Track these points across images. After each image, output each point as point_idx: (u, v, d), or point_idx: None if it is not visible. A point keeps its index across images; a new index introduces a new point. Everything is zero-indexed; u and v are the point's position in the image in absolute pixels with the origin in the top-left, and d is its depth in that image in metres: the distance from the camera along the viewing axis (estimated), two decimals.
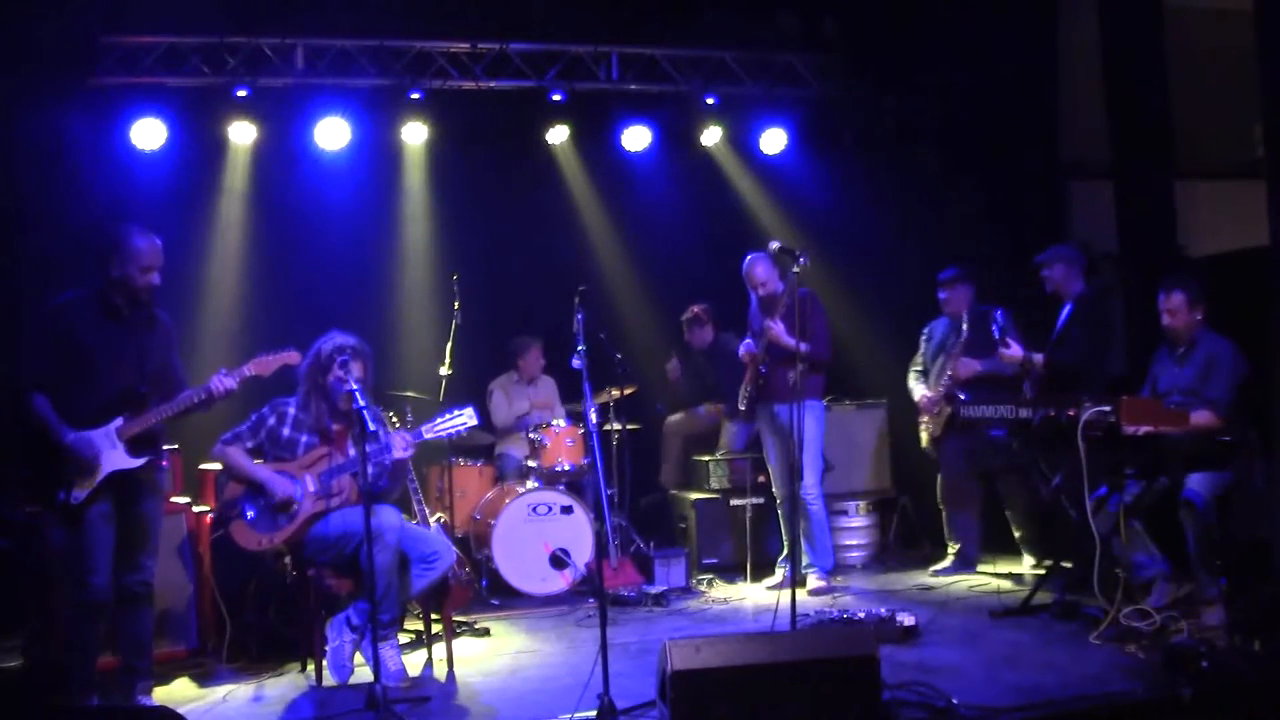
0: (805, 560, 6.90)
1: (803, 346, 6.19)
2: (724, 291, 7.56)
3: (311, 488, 5.23)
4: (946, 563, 7.19)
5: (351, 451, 5.31)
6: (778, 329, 6.55)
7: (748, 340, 6.89)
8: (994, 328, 6.41)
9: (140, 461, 4.74)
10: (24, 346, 4.85)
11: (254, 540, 5.20)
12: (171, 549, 5.73)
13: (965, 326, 6.86)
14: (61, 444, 4.61)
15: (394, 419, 5.78)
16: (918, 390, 7.25)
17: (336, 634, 5.14)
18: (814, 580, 6.86)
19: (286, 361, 5.03)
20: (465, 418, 5.31)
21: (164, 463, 4.98)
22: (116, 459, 4.69)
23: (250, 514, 5.21)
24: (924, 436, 7.24)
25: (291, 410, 5.37)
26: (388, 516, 5.09)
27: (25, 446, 4.72)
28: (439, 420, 5.33)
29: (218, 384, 4.79)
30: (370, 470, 5.17)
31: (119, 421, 4.70)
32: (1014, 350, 6.33)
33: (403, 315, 8.17)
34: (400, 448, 5.19)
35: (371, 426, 4.81)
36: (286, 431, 5.33)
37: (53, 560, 5.20)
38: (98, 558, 4.66)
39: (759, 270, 6.79)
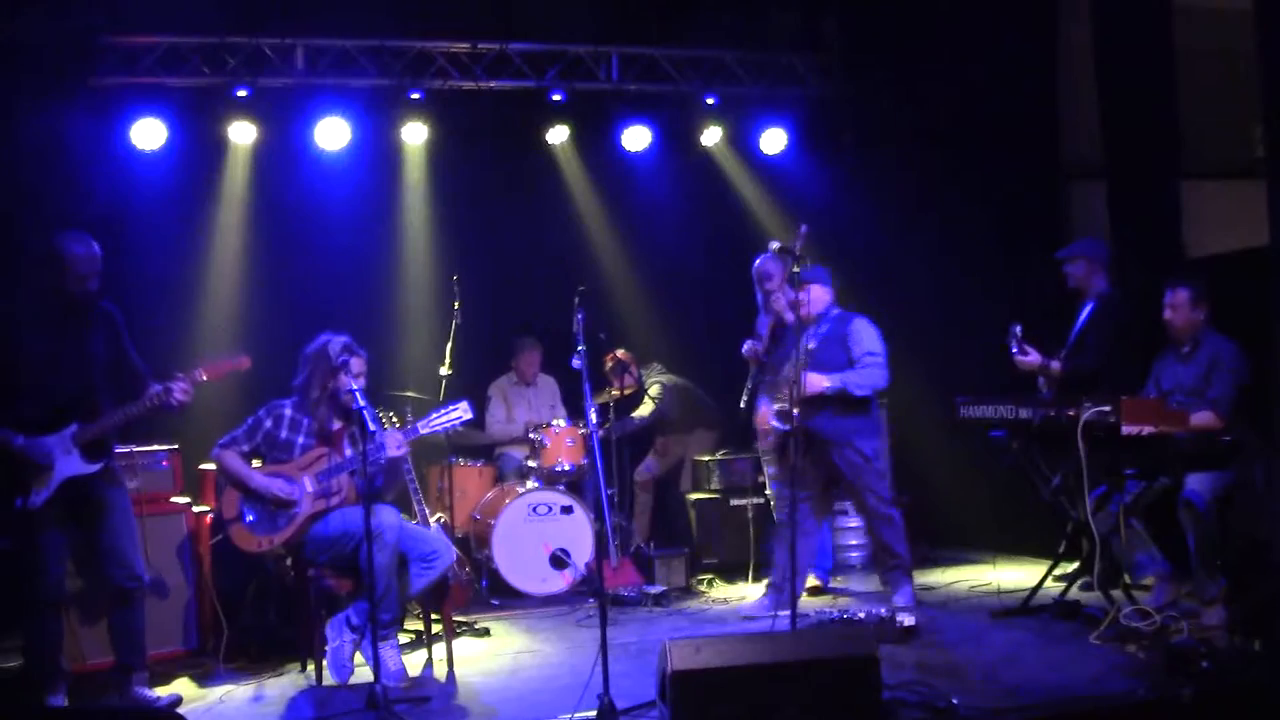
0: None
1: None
2: (724, 292, 7.56)
3: (310, 488, 5.24)
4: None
5: (349, 450, 5.32)
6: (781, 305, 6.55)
7: (751, 339, 6.87)
8: (1011, 342, 6.16)
9: (96, 467, 4.75)
10: None
11: (254, 543, 5.21)
12: (171, 549, 5.73)
13: (823, 331, 6.19)
14: (11, 450, 4.61)
15: (393, 418, 5.79)
16: (760, 406, 6.47)
17: (336, 634, 5.14)
18: (813, 580, 6.86)
19: (237, 367, 5.04)
20: (460, 412, 5.35)
21: (116, 463, 4.98)
22: (72, 465, 4.69)
23: (250, 517, 5.22)
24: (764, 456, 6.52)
25: (288, 412, 5.38)
26: (386, 516, 5.09)
27: None
28: (434, 416, 5.35)
29: (177, 391, 4.78)
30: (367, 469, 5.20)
31: (74, 428, 4.70)
32: (1032, 357, 6.17)
33: (403, 315, 8.17)
34: (393, 446, 5.21)
35: (372, 427, 4.84)
36: (284, 433, 5.34)
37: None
38: (48, 562, 4.68)
39: (769, 266, 6.77)
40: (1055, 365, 6.16)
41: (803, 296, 6.03)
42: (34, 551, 4.67)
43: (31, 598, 4.71)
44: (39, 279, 4.75)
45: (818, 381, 6.01)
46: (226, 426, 5.41)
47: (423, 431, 5.35)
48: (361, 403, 4.91)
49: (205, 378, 4.92)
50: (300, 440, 5.33)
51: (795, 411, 5.80)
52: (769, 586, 6.39)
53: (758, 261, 6.84)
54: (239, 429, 5.36)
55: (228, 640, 5.72)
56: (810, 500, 6.22)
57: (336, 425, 5.36)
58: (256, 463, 5.36)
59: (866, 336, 6.16)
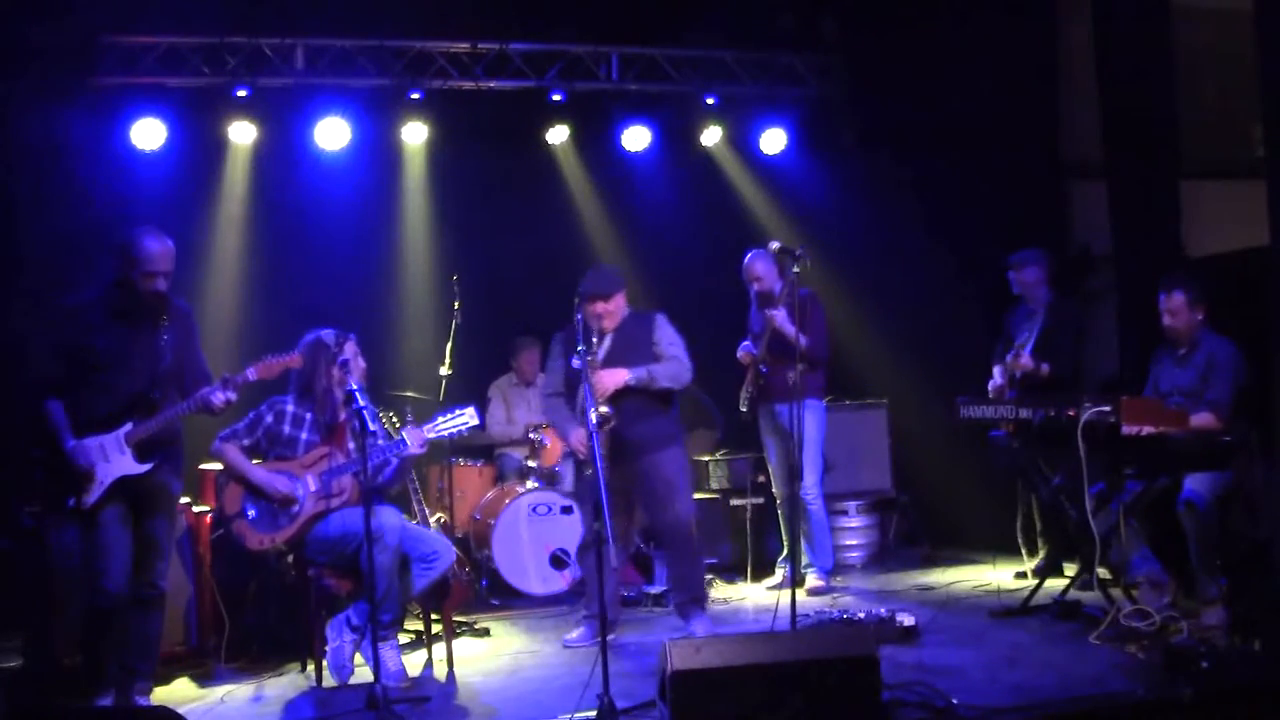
0: (805, 560, 6.91)
1: (802, 340, 6.22)
2: (723, 292, 7.56)
3: (313, 487, 5.22)
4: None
5: (355, 451, 5.30)
6: (780, 316, 6.53)
7: (746, 342, 6.88)
8: (1029, 342, 6.34)
9: (147, 467, 4.71)
10: (35, 349, 4.82)
11: (256, 540, 5.20)
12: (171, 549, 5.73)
13: (621, 334, 5.71)
14: (64, 450, 4.60)
15: (393, 418, 5.78)
16: (573, 431, 5.66)
17: (337, 634, 5.14)
18: (813, 580, 6.86)
19: (289, 365, 4.99)
20: (466, 417, 5.31)
21: (182, 472, 4.94)
22: (123, 465, 4.66)
23: (252, 513, 5.20)
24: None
25: (290, 408, 5.36)
26: (388, 517, 5.09)
27: (37, 451, 4.71)
28: (440, 420, 5.33)
29: (219, 397, 4.75)
30: (376, 463, 5.20)
31: (128, 427, 4.68)
32: (1025, 360, 6.32)
33: (403, 315, 8.16)
34: (416, 444, 5.21)
35: (371, 426, 4.80)
36: (286, 429, 5.32)
37: (53, 562, 5.19)
38: (110, 561, 4.65)
39: (758, 266, 6.79)
40: (1045, 368, 6.33)
41: (604, 307, 5.64)
42: (95, 554, 4.65)
43: (89, 601, 4.68)
44: (110, 272, 4.70)
45: (616, 376, 5.55)
46: (224, 425, 5.40)
47: (429, 436, 5.32)
48: (361, 402, 4.87)
49: (256, 378, 4.87)
50: (304, 436, 5.31)
51: (605, 410, 5.38)
52: (585, 617, 5.84)
53: (748, 258, 6.84)
54: (240, 422, 5.34)
55: (228, 640, 5.72)
56: (619, 528, 5.55)
57: (344, 416, 5.32)
58: (256, 460, 5.34)
59: (670, 331, 5.77)
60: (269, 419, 5.34)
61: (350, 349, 5.34)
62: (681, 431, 5.87)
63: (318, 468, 5.25)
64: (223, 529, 5.45)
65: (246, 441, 5.31)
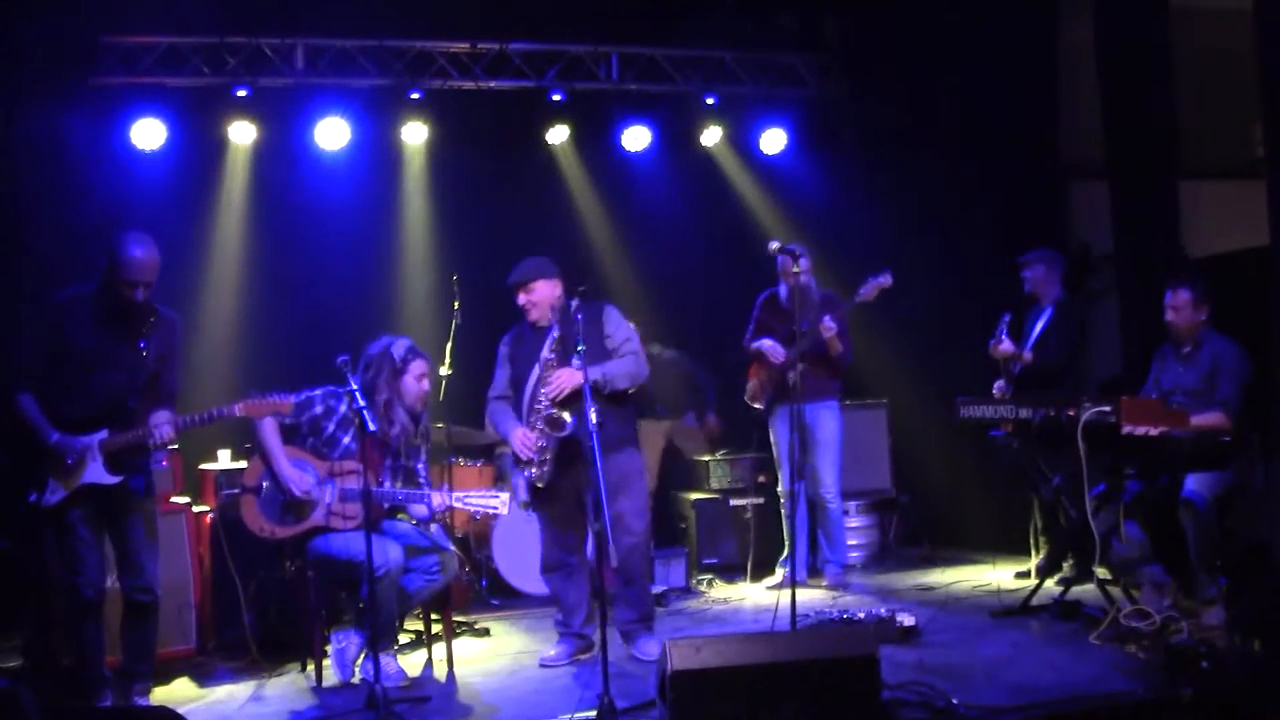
0: (821, 555, 7.05)
1: (839, 346, 6.57)
2: (723, 291, 7.57)
3: (328, 499, 5.13)
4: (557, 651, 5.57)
5: (387, 483, 5.20)
6: (834, 330, 6.55)
7: (769, 341, 6.80)
8: (1002, 328, 6.42)
9: (115, 480, 4.63)
10: (21, 341, 4.78)
11: (257, 524, 5.14)
12: (171, 549, 5.71)
13: (566, 329, 5.25)
14: (46, 445, 4.56)
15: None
16: (514, 430, 5.38)
17: (343, 638, 5.17)
18: (830, 575, 6.95)
19: (278, 408, 4.85)
20: (498, 503, 5.19)
21: (152, 470, 4.88)
22: (94, 472, 4.61)
23: (264, 493, 5.13)
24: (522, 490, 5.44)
25: (342, 408, 5.22)
26: (392, 553, 4.99)
27: (6, 443, 4.69)
28: (473, 494, 5.26)
29: (159, 436, 4.63)
30: (400, 500, 5.19)
31: (103, 434, 4.62)
32: (1006, 346, 6.40)
33: (403, 315, 8.16)
34: (436, 508, 5.19)
35: (371, 426, 4.75)
36: (330, 428, 5.21)
37: (50, 562, 5.18)
38: (83, 558, 4.62)
39: (800, 261, 6.73)
40: (1028, 354, 6.42)
41: (525, 298, 5.37)
42: (66, 552, 4.63)
43: (69, 599, 4.67)
44: (97, 275, 4.65)
45: (574, 377, 5.07)
46: (226, 428, 5.36)
47: (455, 504, 5.26)
48: (362, 403, 4.84)
49: (241, 413, 4.76)
50: (346, 441, 5.20)
51: (568, 416, 5.06)
52: (565, 635, 5.55)
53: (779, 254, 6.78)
54: (289, 395, 5.02)
55: (228, 640, 5.71)
56: (581, 534, 5.44)
57: (395, 429, 5.23)
58: (288, 448, 5.23)
59: (623, 324, 5.44)
60: (318, 409, 5.21)
61: (418, 367, 5.29)
62: (637, 436, 5.54)
63: (346, 481, 5.12)
64: (238, 491, 5.31)
65: (288, 420, 5.14)
